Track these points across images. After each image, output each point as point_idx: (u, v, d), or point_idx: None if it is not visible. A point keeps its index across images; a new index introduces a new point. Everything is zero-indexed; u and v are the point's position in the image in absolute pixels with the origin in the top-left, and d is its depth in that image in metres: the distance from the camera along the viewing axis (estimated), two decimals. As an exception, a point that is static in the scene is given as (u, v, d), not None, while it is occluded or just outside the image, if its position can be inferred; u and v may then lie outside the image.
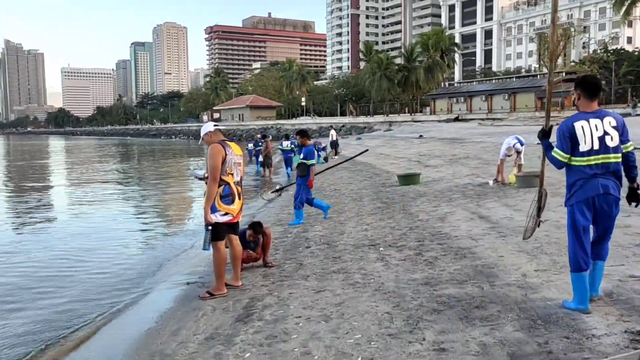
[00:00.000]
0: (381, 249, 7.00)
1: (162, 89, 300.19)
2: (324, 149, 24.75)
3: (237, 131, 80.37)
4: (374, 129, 59.06)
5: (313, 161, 9.93)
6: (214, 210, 5.55)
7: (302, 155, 10.08)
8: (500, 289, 4.94)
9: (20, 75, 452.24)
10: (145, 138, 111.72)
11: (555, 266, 5.49)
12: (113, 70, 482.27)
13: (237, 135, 72.24)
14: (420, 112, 75.56)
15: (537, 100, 54.94)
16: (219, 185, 5.57)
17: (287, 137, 23.47)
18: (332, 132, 28.35)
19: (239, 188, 5.77)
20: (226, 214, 5.61)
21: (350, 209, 10.81)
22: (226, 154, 5.60)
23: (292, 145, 21.99)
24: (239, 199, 5.73)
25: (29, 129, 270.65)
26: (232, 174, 5.64)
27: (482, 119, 52.52)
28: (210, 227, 5.55)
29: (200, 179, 5.98)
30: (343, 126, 66.25)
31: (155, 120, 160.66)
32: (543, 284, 4.98)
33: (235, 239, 5.92)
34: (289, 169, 21.74)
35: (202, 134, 5.89)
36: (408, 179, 13.87)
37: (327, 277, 5.95)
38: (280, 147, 23.20)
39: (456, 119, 55.91)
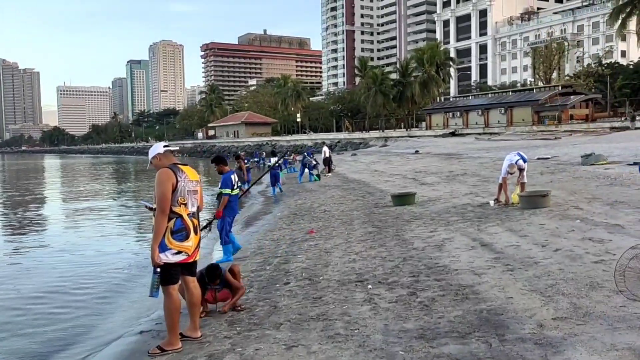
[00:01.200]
0: (369, 286, 6.03)
1: (158, 107, 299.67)
2: (314, 166, 23.78)
3: (231, 148, 79.52)
4: (369, 144, 58.33)
5: (228, 190, 9.01)
6: (163, 248, 4.58)
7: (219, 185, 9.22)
8: (513, 346, 3.97)
9: (16, 94, 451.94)
10: (140, 156, 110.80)
11: (577, 313, 4.53)
12: (109, 88, 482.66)
13: (231, 152, 71.43)
14: (416, 127, 74.88)
15: (534, 114, 54.27)
16: (169, 219, 4.61)
17: (274, 154, 22.83)
18: (325, 148, 27.44)
19: (195, 221, 4.81)
20: (179, 252, 4.64)
21: (339, 234, 9.85)
22: (177, 180, 4.65)
23: (280, 162, 22.25)
24: (195, 233, 4.77)
25: (23, 147, 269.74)
26: (185, 204, 4.68)
27: (479, 134, 51.80)
28: (159, 269, 4.58)
29: (150, 209, 4.95)
30: (338, 142, 65.53)
31: (150, 138, 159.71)
32: (565, 339, 4.02)
33: (193, 281, 4.95)
34: (276, 187, 21.00)
35: (149, 157, 4.91)
36: (403, 199, 12.93)
37: (304, 325, 4.97)
38: (268, 162, 22.62)
39: (452, 134, 55.18)
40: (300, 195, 18.69)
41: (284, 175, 24.20)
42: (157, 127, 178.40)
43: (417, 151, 37.34)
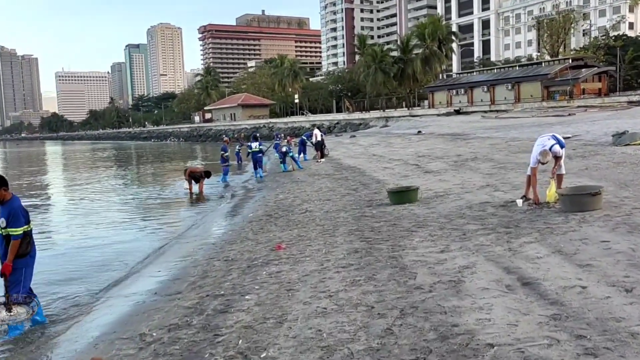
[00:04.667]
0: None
1: (158, 91, 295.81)
2: (285, 154, 21.01)
3: (228, 131, 76.61)
4: (369, 125, 55.38)
5: (19, 231, 5.57)
6: None
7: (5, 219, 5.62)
8: None
9: (15, 81, 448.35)
10: (136, 141, 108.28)
11: None
12: (108, 73, 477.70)
13: (228, 135, 68.61)
14: (418, 106, 71.87)
15: (543, 89, 51.23)
16: None
17: (255, 139, 21.06)
18: (316, 131, 24.63)
19: None
20: None
21: (314, 253, 7.16)
22: None
23: (261, 147, 21.11)
24: None
25: (23, 134, 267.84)
26: None
27: (485, 112, 48.89)
28: None
29: None
30: (337, 123, 62.62)
31: (147, 123, 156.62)
32: None
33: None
34: (260, 171, 20.55)
35: None
36: (402, 196, 10.22)
37: None
38: (249, 149, 20.41)
39: (457, 112, 52.21)
40: (284, 188, 15.99)
41: (267, 163, 21.69)
42: (156, 112, 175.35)
43: (419, 132, 34.54)
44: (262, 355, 4.05)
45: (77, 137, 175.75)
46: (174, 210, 14.96)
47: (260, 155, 20.80)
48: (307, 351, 4.01)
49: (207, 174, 17.61)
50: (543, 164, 8.46)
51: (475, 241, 6.64)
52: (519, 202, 8.54)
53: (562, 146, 8.53)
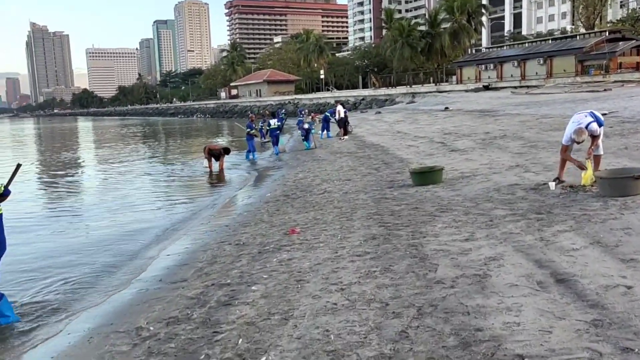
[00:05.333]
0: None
1: (185, 67, 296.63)
2: (307, 130, 20.71)
3: (253, 107, 76.20)
4: (395, 101, 54.30)
5: None
6: None
7: None
8: None
9: (47, 58, 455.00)
10: (164, 117, 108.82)
11: None
12: (137, 49, 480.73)
13: (253, 111, 68.32)
14: (446, 81, 70.31)
15: (577, 63, 49.44)
16: None
17: (274, 115, 20.91)
18: (339, 107, 23.96)
19: None
20: None
21: (329, 239, 6.71)
22: None
23: (279, 123, 21.26)
24: None
25: (55, 110, 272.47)
26: None
27: (515, 87, 47.41)
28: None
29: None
30: (363, 99, 61.65)
31: (175, 99, 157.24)
32: None
33: None
34: (276, 148, 20.77)
35: None
36: (425, 177, 9.68)
37: None
38: (267, 126, 20.18)
39: (486, 88, 50.80)
40: (304, 166, 15.55)
41: (283, 143, 21.35)
42: (183, 88, 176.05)
43: (446, 108, 33.58)
44: (261, 359, 3.64)
45: (106, 113, 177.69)
46: (192, 190, 14.65)
47: (277, 132, 20.99)
48: (312, 356, 3.59)
49: (227, 151, 17.29)
50: (578, 143, 7.83)
51: (503, 229, 6.11)
52: (552, 185, 7.93)
53: (600, 124, 7.87)
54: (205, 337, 4.21)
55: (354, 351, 3.56)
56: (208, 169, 16.87)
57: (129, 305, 5.51)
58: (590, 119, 7.80)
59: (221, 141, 27.69)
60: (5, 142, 47.92)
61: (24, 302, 6.03)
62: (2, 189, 5.10)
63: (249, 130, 20.70)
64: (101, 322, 5.13)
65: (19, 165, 5.27)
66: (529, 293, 4.15)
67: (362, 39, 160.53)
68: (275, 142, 20.86)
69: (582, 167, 7.70)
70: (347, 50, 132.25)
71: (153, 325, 4.63)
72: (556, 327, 3.53)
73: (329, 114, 25.27)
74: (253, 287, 5.25)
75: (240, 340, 4.02)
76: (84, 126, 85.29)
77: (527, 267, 4.75)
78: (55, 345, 4.74)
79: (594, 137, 7.84)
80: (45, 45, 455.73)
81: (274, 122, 20.88)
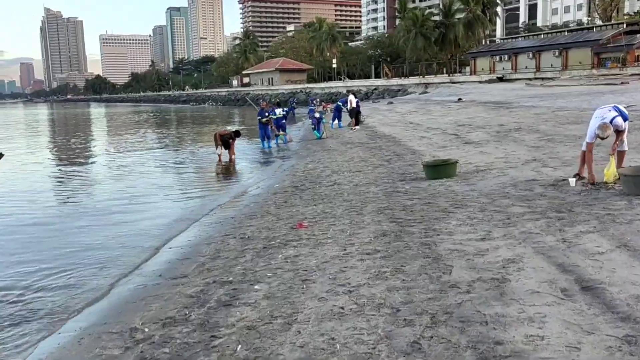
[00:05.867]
0: None
1: (198, 54, 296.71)
2: (319, 120, 20.48)
3: (265, 96, 75.89)
4: (408, 91, 53.74)
5: None
6: None
7: None
8: None
9: (61, 43, 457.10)
10: (176, 104, 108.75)
11: None
12: (150, 36, 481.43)
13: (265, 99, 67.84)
14: (460, 72, 69.53)
15: (593, 56, 48.57)
16: None
17: (278, 105, 22.23)
18: (351, 97, 23.55)
19: None
20: None
21: (338, 234, 6.41)
22: None
23: (284, 112, 21.36)
24: None
25: (68, 96, 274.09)
26: None
27: (530, 79, 46.71)
28: None
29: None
30: (375, 89, 61.10)
31: (187, 87, 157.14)
32: None
33: None
34: (285, 137, 20.68)
35: None
36: (439, 171, 9.34)
37: None
38: (273, 115, 19.85)
39: (500, 80, 50.10)
40: (314, 156, 15.23)
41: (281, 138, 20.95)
42: (195, 75, 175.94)
43: (460, 99, 33.07)
44: (260, 370, 3.35)
45: (119, 99, 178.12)
46: (200, 180, 14.35)
47: (283, 121, 20.99)
48: (315, 368, 3.30)
49: (237, 134, 17.01)
50: (602, 139, 7.44)
51: (522, 227, 5.77)
52: (572, 181, 7.57)
53: (625, 118, 7.49)
54: (202, 341, 3.93)
55: (361, 364, 3.26)
56: (218, 158, 16.58)
57: (125, 303, 5.24)
58: (614, 113, 7.42)
59: (232, 129, 27.33)
60: (19, 127, 47.98)
61: (19, 300, 5.78)
62: None
63: (259, 118, 20.42)
64: (95, 320, 4.87)
65: (0, 155, 5.02)
66: (552, 302, 3.83)
67: (376, 28, 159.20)
68: (281, 130, 20.77)
69: (592, 180, 7.35)
70: (360, 40, 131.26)
71: (148, 327, 4.36)
72: (585, 342, 3.21)
73: (340, 104, 24.91)
74: (256, 286, 4.96)
75: (239, 346, 3.74)
76: (97, 112, 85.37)
77: (549, 271, 4.42)
78: (44, 346, 4.49)
79: (619, 132, 7.46)
80: (59, 31, 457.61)
81: (279, 112, 20.69)
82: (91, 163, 19.00)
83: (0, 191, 12.36)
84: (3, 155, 5.08)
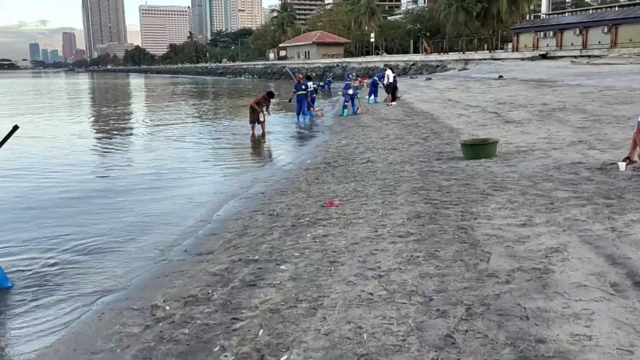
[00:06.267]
0: None
1: (236, 27, 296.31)
2: (352, 96, 20.08)
3: (301, 69, 75.44)
4: (447, 67, 52.50)
5: None
6: None
7: None
8: None
9: (102, 14, 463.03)
10: (212, 77, 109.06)
11: None
12: (189, 7, 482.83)
13: (302, 72, 67.33)
14: (501, 48, 67.46)
15: (645, 33, 46.36)
16: None
17: (309, 78, 22.04)
18: (389, 72, 23.00)
19: None
20: None
21: (370, 215, 6.16)
22: None
23: (314, 86, 21.51)
24: None
25: (108, 66, 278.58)
26: None
27: (575, 57, 45.01)
28: None
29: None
30: (413, 64, 59.89)
31: (224, 59, 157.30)
32: None
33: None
34: (311, 112, 20.61)
35: None
36: (478, 150, 8.95)
37: None
38: (305, 88, 19.76)
39: (543, 57, 48.42)
40: (349, 132, 14.93)
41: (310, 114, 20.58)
42: (232, 48, 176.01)
43: (501, 76, 32.09)
44: (281, 359, 3.16)
45: (157, 70, 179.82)
46: (234, 154, 14.20)
47: (314, 95, 21.06)
48: (339, 359, 3.08)
49: (270, 94, 16.98)
50: (655, 120, 6.95)
51: (567, 214, 5.41)
52: (622, 165, 7.11)
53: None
54: (223, 323, 3.76)
55: (389, 358, 3.03)
56: (252, 132, 16.42)
57: (149, 278, 5.12)
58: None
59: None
60: (61, 96, 48.83)
61: (47, 271, 5.70)
62: None
63: (295, 91, 20.18)
64: (117, 295, 4.76)
65: (15, 127, 4.88)
66: (601, 297, 3.51)
67: (415, 2, 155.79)
68: (312, 105, 20.71)
69: None
70: (399, 14, 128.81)
71: (169, 304, 4.22)
72: (638, 345, 2.90)
73: (377, 79, 24.41)
74: (282, 267, 4.77)
75: (261, 331, 3.55)
76: (136, 83, 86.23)
77: (597, 263, 4.09)
78: (66, 319, 4.39)
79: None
80: (100, 1, 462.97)
81: (310, 85, 20.59)
82: (128, 135, 19.02)
83: (41, 162, 12.49)
84: (18, 127, 4.93)
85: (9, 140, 4.88)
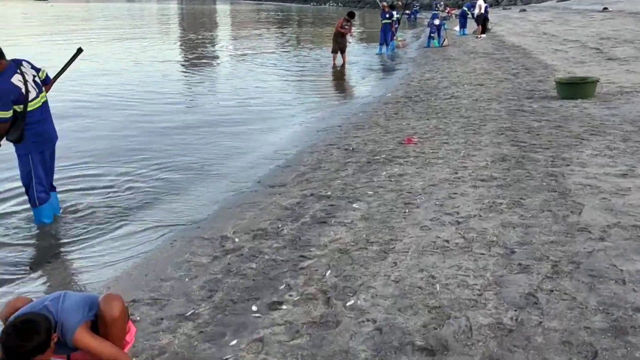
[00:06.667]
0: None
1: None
2: (438, 27, 19.08)
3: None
4: (545, -2, 48.85)
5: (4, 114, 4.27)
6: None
7: None
8: None
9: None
10: (297, 4, 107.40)
11: None
12: None
13: (387, 1, 64.96)
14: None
15: None
16: None
17: (392, 7, 20.77)
18: (480, 2, 21.54)
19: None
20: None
21: (449, 155, 5.82)
22: None
23: (398, 16, 20.97)
24: None
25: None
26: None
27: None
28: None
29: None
30: (507, -6, 56.14)
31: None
32: None
33: None
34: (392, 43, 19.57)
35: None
36: (574, 90, 8.23)
37: None
38: (389, 18, 18.97)
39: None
40: (433, 65, 14.25)
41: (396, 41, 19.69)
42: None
43: (605, 8, 29.40)
44: (347, 304, 3.01)
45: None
46: (313, 83, 13.88)
47: (397, 25, 20.29)
48: (408, 310, 2.89)
49: (351, 15, 16.63)
50: None
51: (675, 165, 4.85)
52: None
53: None
54: (290, 260, 3.65)
55: (463, 313, 2.81)
56: (332, 62, 16.02)
57: (221, 208, 5.09)
58: None
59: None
60: (152, 23, 49.83)
61: (132, 197, 5.66)
62: (45, 75, 4.64)
63: (382, 20, 19.44)
64: (189, 223, 4.77)
65: (79, 50, 4.77)
66: None
67: None
68: (391, 37, 19.49)
69: None
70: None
71: (239, 236, 4.17)
72: None
73: (466, 9, 23.05)
74: (354, 205, 4.59)
75: (329, 272, 3.42)
76: (222, 9, 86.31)
77: None
78: (142, 245, 4.42)
79: None
80: None
81: (394, 15, 19.74)
82: (215, 65, 18.97)
83: (127, 88, 12.60)
84: (82, 50, 4.87)
85: (76, 63, 4.82)
